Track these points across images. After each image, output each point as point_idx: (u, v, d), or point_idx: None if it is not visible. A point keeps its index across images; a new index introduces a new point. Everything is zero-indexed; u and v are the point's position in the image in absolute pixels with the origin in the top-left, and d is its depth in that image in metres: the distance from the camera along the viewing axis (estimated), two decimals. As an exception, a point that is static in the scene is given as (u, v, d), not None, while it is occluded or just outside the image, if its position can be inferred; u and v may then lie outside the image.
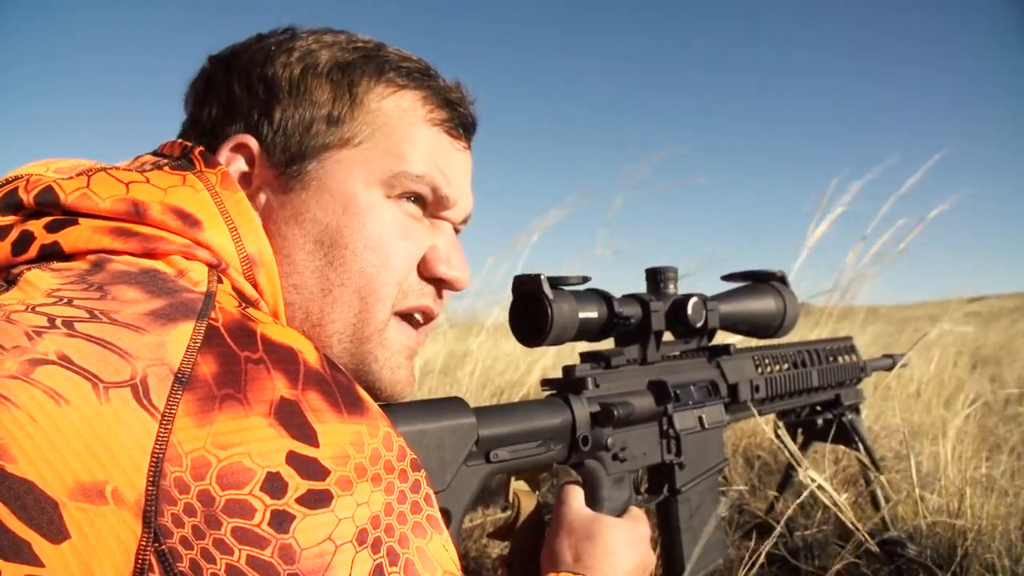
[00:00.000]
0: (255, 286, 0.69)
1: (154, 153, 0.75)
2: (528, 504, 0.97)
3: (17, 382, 0.49)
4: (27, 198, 0.63)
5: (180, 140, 0.74)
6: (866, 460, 1.55)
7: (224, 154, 0.73)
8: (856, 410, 1.58)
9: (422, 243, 0.78)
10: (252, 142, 0.73)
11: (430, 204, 0.79)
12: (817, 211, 3.05)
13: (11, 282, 0.60)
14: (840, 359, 1.52)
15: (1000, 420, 2.30)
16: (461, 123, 0.81)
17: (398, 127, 0.76)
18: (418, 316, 0.80)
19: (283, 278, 0.73)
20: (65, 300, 0.56)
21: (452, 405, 0.82)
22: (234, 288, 0.64)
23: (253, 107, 0.74)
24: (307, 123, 0.74)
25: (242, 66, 0.76)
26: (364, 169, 0.75)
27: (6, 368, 0.50)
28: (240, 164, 0.74)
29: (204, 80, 0.78)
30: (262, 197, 0.74)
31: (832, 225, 3.02)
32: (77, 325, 0.53)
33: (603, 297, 1.04)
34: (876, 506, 1.51)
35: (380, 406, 0.76)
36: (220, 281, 0.62)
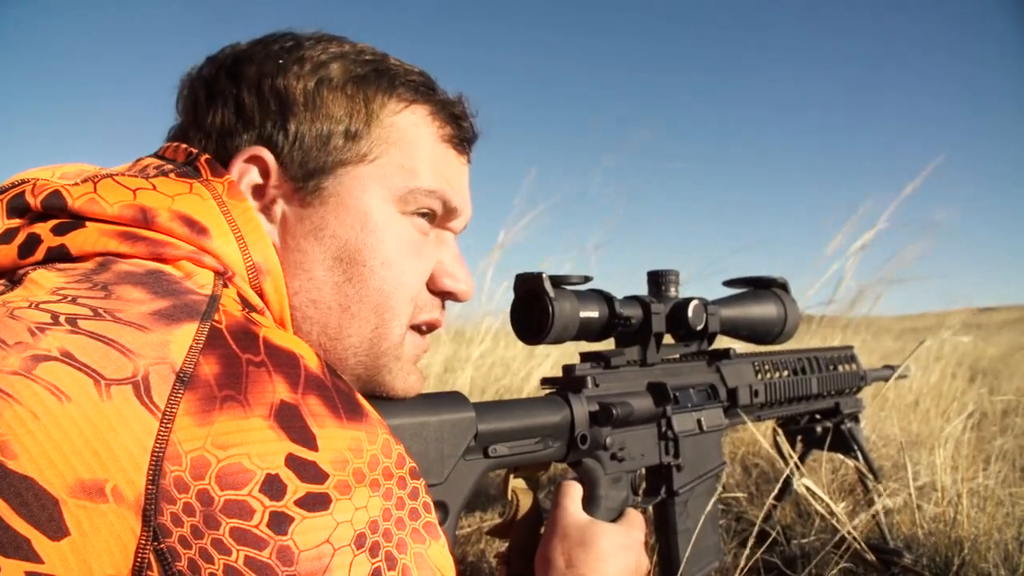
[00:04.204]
0: (261, 295, 0.68)
1: (156, 156, 0.74)
2: (526, 501, 0.97)
3: (19, 378, 0.49)
4: (34, 202, 0.63)
5: (184, 145, 0.73)
6: (864, 469, 1.55)
7: (237, 165, 0.72)
8: (855, 419, 1.58)
9: (431, 259, 0.80)
10: (267, 155, 0.72)
11: (438, 217, 0.80)
12: (841, 230, 3.08)
13: (16, 282, 0.60)
14: (840, 368, 1.52)
15: (998, 430, 2.30)
16: (465, 137, 0.83)
17: (411, 142, 0.77)
18: (424, 327, 0.82)
19: (302, 292, 0.73)
20: (70, 298, 0.55)
21: (452, 399, 0.83)
22: (239, 295, 0.64)
23: (266, 119, 0.73)
24: (325, 138, 0.73)
25: (251, 75, 0.74)
26: (380, 185, 0.75)
27: (8, 364, 0.50)
28: (254, 176, 0.72)
29: (206, 84, 0.76)
30: (277, 210, 0.74)
31: (845, 239, 3.05)
32: (80, 322, 0.53)
33: (604, 297, 1.05)
34: (873, 516, 1.51)
35: (383, 400, 0.77)
36: (225, 286, 0.62)
